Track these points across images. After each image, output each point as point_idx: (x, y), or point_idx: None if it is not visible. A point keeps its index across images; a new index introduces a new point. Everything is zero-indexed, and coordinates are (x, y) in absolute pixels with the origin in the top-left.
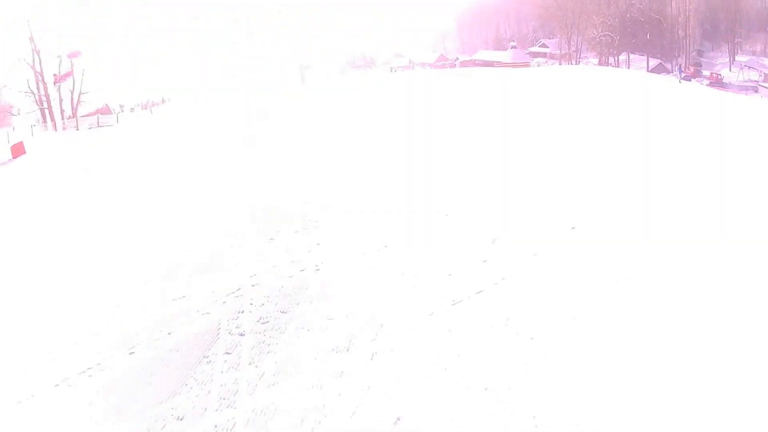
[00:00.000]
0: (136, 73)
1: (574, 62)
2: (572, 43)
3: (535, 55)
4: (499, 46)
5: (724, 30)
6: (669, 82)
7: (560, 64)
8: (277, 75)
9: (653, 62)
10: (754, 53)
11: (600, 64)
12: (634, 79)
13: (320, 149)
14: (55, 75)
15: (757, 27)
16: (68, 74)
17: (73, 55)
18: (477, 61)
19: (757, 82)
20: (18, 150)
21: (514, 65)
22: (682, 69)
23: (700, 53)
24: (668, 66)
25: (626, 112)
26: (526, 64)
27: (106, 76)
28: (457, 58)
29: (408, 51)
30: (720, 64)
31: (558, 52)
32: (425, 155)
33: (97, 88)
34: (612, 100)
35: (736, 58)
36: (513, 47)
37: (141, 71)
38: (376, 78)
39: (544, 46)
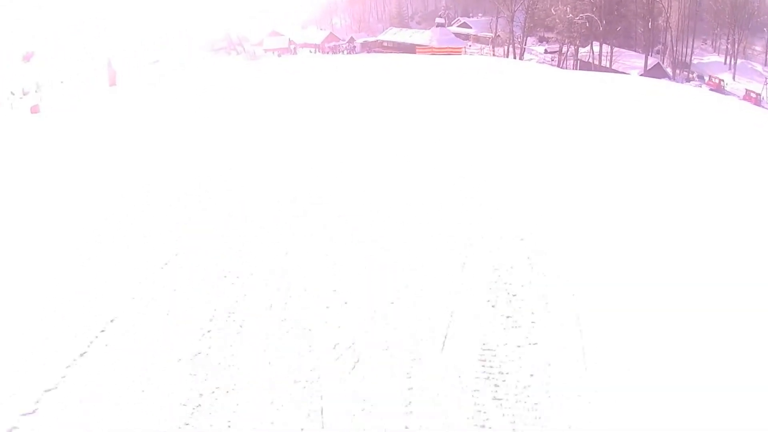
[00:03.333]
0: None
1: (516, 50)
2: (514, 23)
3: (456, 37)
4: (403, 24)
5: (709, 25)
6: None
7: (493, 52)
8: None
9: (650, 61)
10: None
11: (558, 60)
12: None
13: None
14: None
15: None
16: None
17: None
18: (386, 44)
19: None
20: None
21: (445, 51)
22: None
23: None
24: (667, 70)
25: None
26: (458, 51)
27: None
28: (353, 39)
29: (287, 29)
30: (699, 65)
31: (491, 35)
32: None
33: None
34: None
35: (708, 58)
36: (440, 25)
37: None
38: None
39: (465, 26)
